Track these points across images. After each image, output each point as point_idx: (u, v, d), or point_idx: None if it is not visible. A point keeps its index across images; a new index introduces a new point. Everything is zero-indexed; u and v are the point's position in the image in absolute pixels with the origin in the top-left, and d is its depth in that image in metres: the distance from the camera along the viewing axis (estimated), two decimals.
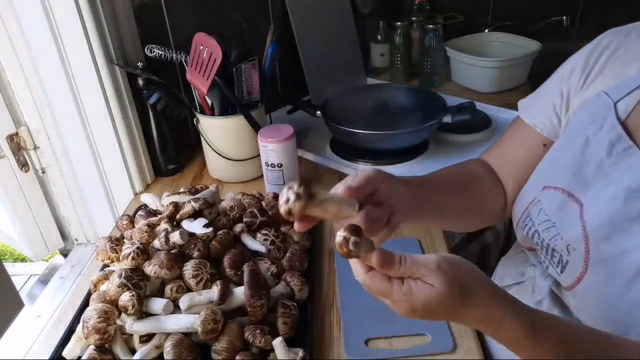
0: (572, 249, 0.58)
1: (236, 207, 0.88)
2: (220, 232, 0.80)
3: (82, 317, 0.66)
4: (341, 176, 1.13)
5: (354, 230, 0.46)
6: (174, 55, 1.03)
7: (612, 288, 0.53)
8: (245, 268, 0.71)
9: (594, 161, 0.58)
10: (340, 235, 0.46)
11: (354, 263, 0.49)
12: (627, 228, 0.53)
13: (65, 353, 0.68)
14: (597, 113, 0.60)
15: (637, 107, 0.57)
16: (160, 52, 1.03)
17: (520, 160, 0.72)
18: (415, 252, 0.86)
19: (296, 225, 0.50)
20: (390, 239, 0.92)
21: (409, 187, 0.61)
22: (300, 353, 0.65)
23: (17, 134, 1.01)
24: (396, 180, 0.59)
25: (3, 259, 2.78)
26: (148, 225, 0.81)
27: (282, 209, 0.46)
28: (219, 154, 1.09)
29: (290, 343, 0.67)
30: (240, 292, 0.70)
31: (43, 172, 1.07)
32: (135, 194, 1.10)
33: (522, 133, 0.73)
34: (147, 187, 1.12)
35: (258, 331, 0.67)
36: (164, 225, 0.80)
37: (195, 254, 0.76)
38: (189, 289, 0.72)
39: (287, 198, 0.46)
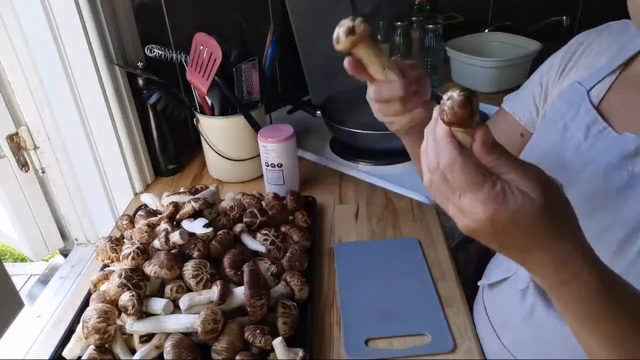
0: None
1: (236, 207, 0.88)
2: (220, 232, 0.80)
3: (82, 317, 0.66)
4: (341, 176, 1.13)
5: (469, 90, 0.37)
6: (174, 55, 1.03)
7: None
8: (245, 268, 0.71)
9: (573, 145, 0.61)
10: (459, 93, 0.37)
11: (446, 138, 0.39)
12: (608, 204, 0.55)
13: (65, 353, 0.68)
14: (572, 101, 0.64)
15: (608, 92, 0.62)
16: (160, 52, 1.03)
17: None
18: (415, 252, 0.87)
19: (348, 61, 0.48)
20: (390, 239, 0.92)
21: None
22: (300, 353, 0.65)
23: (17, 134, 1.01)
24: (430, 87, 0.59)
25: (3, 259, 2.78)
26: (148, 225, 0.81)
27: (343, 27, 0.41)
28: (219, 154, 1.09)
29: (290, 343, 0.67)
30: (240, 292, 0.70)
31: (43, 172, 1.07)
32: (135, 194, 1.10)
33: (503, 121, 0.78)
34: (147, 187, 1.12)
35: (258, 331, 0.67)
36: (164, 225, 0.80)
37: (195, 254, 0.76)
38: (189, 289, 0.72)
39: (353, 18, 0.42)
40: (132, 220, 0.89)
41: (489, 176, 0.39)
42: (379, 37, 1.61)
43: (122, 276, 0.68)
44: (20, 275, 2.48)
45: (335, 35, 0.42)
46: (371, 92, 0.51)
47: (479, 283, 0.78)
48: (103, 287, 0.74)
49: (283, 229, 0.87)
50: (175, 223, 0.82)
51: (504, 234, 0.39)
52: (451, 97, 0.37)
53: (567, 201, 0.41)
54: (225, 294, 0.69)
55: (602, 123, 0.59)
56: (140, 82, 1.05)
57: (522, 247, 0.40)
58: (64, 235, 1.15)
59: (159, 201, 0.94)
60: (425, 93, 0.56)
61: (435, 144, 0.40)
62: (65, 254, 1.15)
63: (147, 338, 0.68)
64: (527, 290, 0.66)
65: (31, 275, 2.48)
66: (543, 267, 0.41)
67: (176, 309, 0.70)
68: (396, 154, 1.16)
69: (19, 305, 0.66)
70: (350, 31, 0.41)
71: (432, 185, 0.42)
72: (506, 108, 0.78)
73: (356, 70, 0.49)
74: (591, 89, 0.63)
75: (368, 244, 0.92)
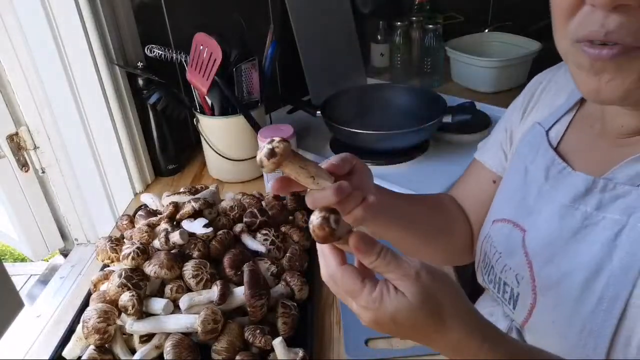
0: (520, 277, 0.58)
1: (236, 207, 0.88)
2: (220, 232, 0.80)
3: (82, 317, 0.66)
4: None
5: (332, 209, 0.42)
6: (174, 55, 1.03)
7: (560, 315, 0.52)
8: (245, 268, 0.71)
9: (535, 187, 0.59)
10: (317, 215, 0.41)
11: (326, 252, 0.44)
12: (566, 248, 0.52)
13: (65, 353, 0.68)
14: (532, 142, 0.62)
15: (567, 132, 0.60)
16: (160, 52, 1.03)
17: (476, 199, 0.74)
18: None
19: (272, 184, 0.47)
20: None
21: (381, 189, 0.61)
22: (300, 353, 0.65)
23: (17, 134, 1.01)
24: (370, 175, 0.56)
25: (3, 259, 2.78)
26: (148, 225, 0.81)
27: (264, 150, 0.41)
28: (219, 154, 1.09)
29: (290, 343, 0.67)
30: (240, 292, 0.70)
31: (43, 172, 1.07)
32: (135, 194, 1.10)
33: (475, 171, 0.76)
34: (147, 187, 1.12)
35: (258, 331, 0.67)
36: (164, 225, 0.80)
37: (195, 254, 0.76)
38: (189, 289, 0.72)
39: (272, 140, 0.42)
40: (132, 220, 0.89)
41: (368, 282, 0.41)
42: (378, 37, 1.61)
43: (122, 276, 0.68)
44: (20, 275, 2.48)
45: (258, 160, 0.43)
46: (307, 202, 0.49)
47: None
48: (103, 287, 0.74)
49: (283, 229, 0.87)
50: (175, 223, 0.82)
51: (392, 331, 0.42)
52: (311, 221, 0.42)
53: (454, 292, 0.42)
54: (225, 294, 0.69)
55: (561, 163, 0.57)
56: (140, 82, 1.05)
57: (417, 339, 0.43)
58: (64, 235, 1.15)
59: (159, 201, 0.94)
60: (365, 186, 0.53)
61: (321, 256, 0.45)
62: (65, 254, 1.15)
63: (147, 338, 0.68)
64: None
65: (31, 275, 2.48)
66: (445, 352, 0.43)
67: (176, 309, 0.70)
68: (396, 154, 1.16)
69: (19, 305, 0.66)
70: (272, 154, 0.42)
71: (332, 290, 0.45)
72: (476, 157, 0.76)
73: (284, 188, 0.47)
74: (550, 128, 0.61)
75: None
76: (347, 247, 0.43)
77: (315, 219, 0.42)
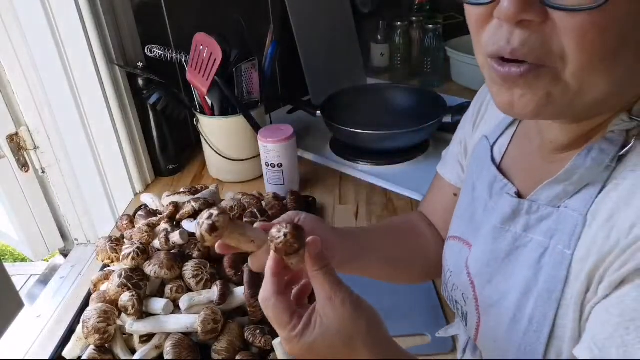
0: (466, 297, 0.57)
1: (236, 207, 0.88)
2: None
3: (82, 317, 0.66)
4: (341, 176, 1.13)
5: (297, 226, 0.43)
6: (174, 55, 1.03)
7: (500, 335, 0.52)
8: (245, 268, 0.71)
9: (481, 204, 0.57)
10: (280, 231, 0.42)
11: (268, 276, 0.45)
12: (501, 269, 0.52)
13: (65, 353, 0.68)
14: (479, 157, 0.60)
15: (509, 146, 0.58)
16: (160, 52, 1.03)
17: (442, 213, 0.73)
18: None
19: (217, 248, 0.49)
20: None
21: (342, 234, 0.60)
22: None
23: (17, 134, 1.01)
24: (323, 225, 0.57)
25: (3, 259, 2.78)
26: (148, 225, 0.81)
27: (204, 226, 0.43)
28: (219, 154, 1.09)
29: None
30: (240, 292, 0.70)
31: (43, 172, 1.07)
32: (135, 194, 1.10)
33: (438, 184, 0.74)
34: (147, 187, 1.12)
35: (258, 331, 0.67)
36: (164, 225, 0.80)
37: (195, 254, 0.76)
38: (189, 289, 0.72)
39: (210, 213, 0.43)
40: (132, 220, 0.89)
41: (296, 317, 0.44)
42: (378, 37, 1.61)
43: (122, 276, 0.68)
44: (20, 275, 2.48)
45: (198, 235, 0.44)
46: (252, 265, 0.50)
47: (436, 334, 0.74)
48: (103, 287, 0.74)
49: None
50: (175, 223, 0.82)
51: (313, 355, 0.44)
52: (272, 236, 0.43)
53: (369, 321, 0.45)
54: (225, 294, 0.69)
55: (503, 180, 0.54)
56: (140, 82, 1.05)
57: None
58: (64, 235, 1.15)
59: (159, 201, 0.94)
60: (318, 234, 0.52)
61: (265, 278, 0.46)
62: (65, 254, 1.15)
63: (147, 338, 0.68)
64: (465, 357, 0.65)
65: (31, 275, 2.48)
66: None
67: (176, 309, 0.70)
68: (396, 154, 1.16)
69: (19, 305, 0.66)
70: (213, 229, 0.43)
71: (264, 313, 0.47)
72: (438, 170, 0.74)
73: (226, 251, 0.49)
74: (495, 142, 0.59)
75: None
76: (301, 264, 0.45)
77: (275, 236, 0.42)
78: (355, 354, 0.44)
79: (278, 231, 0.42)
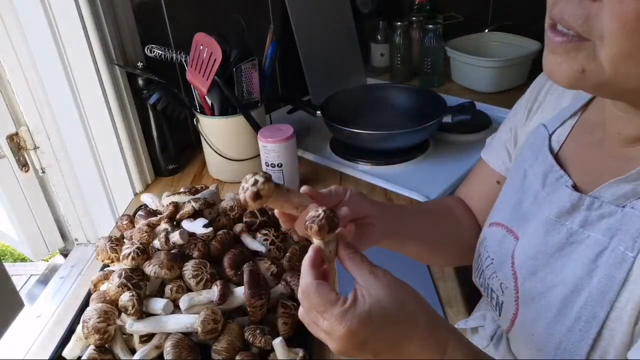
0: (505, 287, 0.57)
1: (236, 207, 0.88)
2: (220, 232, 0.80)
3: (82, 317, 0.66)
4: (341, 176, 1.13)
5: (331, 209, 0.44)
6: (174, 55, 1.03)
7: (539, 329, 0.51)
8: (245, 268, 0.71)
9: (532, 193, 0.57)
10: (318, 211, 0.43)
11: (305, 267, 0.45)
12: (550, 263, 0.51)
13: (65, 353, 0.68)
14: (535, 145, 0.60)
15: (568, 137, 0.57)
16: (160, 52, 1.03)
17: (482, 198, 0.73)
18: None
19: (283, 222, 0.50)
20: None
21: (383, 208, 0.61)
22: (300, 353, 0.65)
23: (17, 134, 1.01)
24: (367, 199, 0.58)
25: (3, 259, 2.78)
26: (148, 225, 0.80)
27: (249, 192, 0.43)
28: (219, 154, 1.09)
29: (290, 343, 0.67)
30: (240, 292, 0.70)
31: (43, 172, 1.07)
32: (135, 194, 1.10)
33: (480, 170, 0.75)
34: (147, 187, 1.12)
35: (258, 331, 0.67)
36: (164, 225, 0.80)
37: (195, 254, 0.76)
38: (189, 289, 0.72)
39: (255, 180, 0.43)
40: (132, 220, 0.89)
41: (341, 295, 0.43)
42: (378, 37, 1.61)
43: (122, 276, 0.68)
44: (20, 275, 2.48)
45: (242, 200, 0.44)
46: (299, 229, 0.50)
47: (456, 325, 0.73)
48: (103, 287, 0.74)
49: (283, 229, 0.87)
50: (175, 223, 0.82)
51: (366, 341, 0.42)
52: (312, 217, 0.44)
53: (414, 291, 0.45)
54: (225, 294, 0.69)
55: (559, 171, 0.53)
56: (140, 82, 1.05)
57: (389, 344, 0.43)
58: (64, 235, 1.15)
59: (159, 201, 0.94)
60: (362, 211, 0.55)
61: (302, 272, 0.46)
62: (65, 254, 1.15)
63: (147, 338, 0.68)
64: (487, 347, 0.64)
65: (31, 275, 2.48)
66: (415, 352, 0.43)
67: (176, 309, 0.70)
68: (396, 154, 1.16)
69: (19, 305, 0.66)
70: (257, 196, 0.43)
71: (303, 314, 0.46)
72: (482, 156, 0.75)
73: (286, 218, 0.50)
74: (554, 132, 0.58)
75: None
76: (332, 254, 0.46)
77: (315, 215, 0.44)
78: (410, 318, 0.43)
79: (314, 214, 0.43)
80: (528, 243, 0.55)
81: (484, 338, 0.65)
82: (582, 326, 0.46)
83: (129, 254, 0.71)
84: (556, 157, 0.56)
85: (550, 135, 0.58)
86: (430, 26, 1.49)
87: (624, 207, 0.46)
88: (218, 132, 1.08)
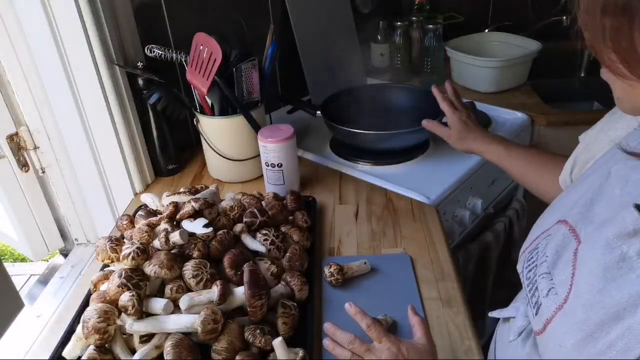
0: (554, 292, 0.53)
1: (236, 207, 0.88)
2: (220, 232, 0.80)
3: (82, 317, 0.66)
4: (341, 176, 1.13)
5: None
6: (174, 55, 1.03)
7: (568, 344, 0.49)
8: (245, 268, 0.71)
9: (607, 197, 0.52)
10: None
11: (369, 326, 0.62)
12: (592, 279, 0.48)
13: (65, 353, 0.68)
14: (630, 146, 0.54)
15: None
16: (160, 52, 1.03)
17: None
18: (405, 270, 0.84)
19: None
20: (378, 255, 0.88)
21: (491, 140, 0.93)
22: (300, 353, 0.65)
23: (17, 134, 1.01)
24: (479, 129, 0.95)
25: (3, 259, 2.78)
26: (148, 225, 0.80)
27: None
28: (219, 154, 1.09)
29: (290, 343, 0.67)
30: (240, 292, 0.70)
31: (43, 172, 1.07)
32: (135, 194, 1.10)
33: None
34: (147, 187, 1.12)
35: (258, 331, 0.67)
36: (164, 225, 0.80)
37: (195, 254, 0.76)
38: (189, 289, 0.72)
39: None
40: (132, 220, 0.89)
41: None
42: (378, 37, 1.61)
43: (122, 276, 0.68)
44: (20, 275, 2.48)
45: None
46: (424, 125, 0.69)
47: (489, 314, 0.72)
48: (103, 287, 0.74)
49: (283, 229, 0.87)
50: (175, 223, 0.82)
51: None
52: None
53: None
54: (225, 294, 0.69)
55: None
56: (140, 82, 1.05)
57: None
58: (64, 235, 1.15)
59: (159, 201, 0.94)
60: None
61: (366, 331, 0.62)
62: (65, 254, 1.15)
63: (147, 338, 0.68)
64: (513, 343, 0.63)
65: (31, 275, 2.48)
66: None
67: (176, 309, 0.70)
68: (396, 154, 1.16)
69: (19, 305, 0.66)
70: None
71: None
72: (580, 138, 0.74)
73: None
74: None
75: (356, 258, 0.86)
76: None
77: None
78: None
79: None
80: (586, 255, 0.51)
81: (513, 332, 0.64)
82: (614, 355, 0.44)
83: (129, 254, 0.71)
84: None
85: None
86: (430, 26, 1.49)
87: None
88: (218, 132, 1.08)
